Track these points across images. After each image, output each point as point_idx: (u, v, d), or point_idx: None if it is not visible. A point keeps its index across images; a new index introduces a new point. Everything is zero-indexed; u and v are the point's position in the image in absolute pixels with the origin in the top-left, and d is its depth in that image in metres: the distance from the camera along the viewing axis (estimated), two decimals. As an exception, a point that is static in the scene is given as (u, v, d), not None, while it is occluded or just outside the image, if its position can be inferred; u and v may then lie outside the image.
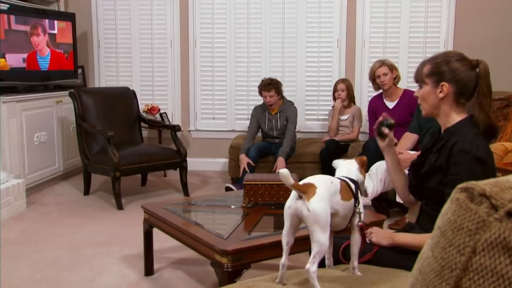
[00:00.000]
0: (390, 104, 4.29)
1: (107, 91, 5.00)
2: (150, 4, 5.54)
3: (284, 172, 1.49)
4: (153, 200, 4.23)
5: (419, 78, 1.86)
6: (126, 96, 4.92)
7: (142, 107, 5.29)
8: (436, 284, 0.66)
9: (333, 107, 4.93)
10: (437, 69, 1.79)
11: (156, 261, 2.93)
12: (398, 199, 3.42)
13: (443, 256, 0.66)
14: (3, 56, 4.27)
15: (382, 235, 1.88)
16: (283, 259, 1.57)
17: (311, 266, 1.47)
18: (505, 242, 0.61)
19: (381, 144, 2.01)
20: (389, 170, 2.07)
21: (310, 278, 1.48)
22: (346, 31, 5.33)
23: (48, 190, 4.74)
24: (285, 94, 4.83)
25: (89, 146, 4.50)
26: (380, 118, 1.98)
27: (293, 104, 4.76)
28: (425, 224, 1.86)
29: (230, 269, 2.09)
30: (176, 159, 4.49)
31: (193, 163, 5.33)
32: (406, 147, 3.68)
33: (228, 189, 4.48)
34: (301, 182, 1.57)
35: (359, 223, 1.72)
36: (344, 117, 4.86)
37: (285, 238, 1.57)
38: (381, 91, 4.34)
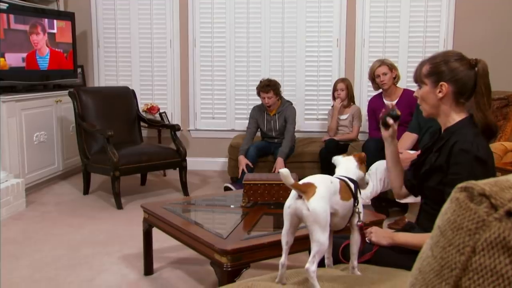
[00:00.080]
0: (390, 104, 4.29)
1: (107, 91, 5.00)
2: (150, 3, 5.53)
3: (284, 171, 1.49)
4: (152, 200, 4.23)
5: (418, 78, 1.85)
6: (125, 96, 4.92)
7: (141, 106, 5.29)
8: (436, 283, 0.66)
9: (332, 106, 4.92)
10: (436, 69, 1.79)
11: (156, 260, 2.93)
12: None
13: (442, 256, 0.66)
14: (3, 56, 4.27)
15: (381, 235, 1.88)
16: (283, 259, 1.57)
17: (311, 265, 1.48)
18: (504, 241, 0.61)
19: (384, 133, 1.99)
20: (388, 163, 2.06)
21: (310, 277, 1.48)
22: (345, 31, 5.33)
23: (47, 190, 4.74)
24: (284, 93, 4.82)
25: (89, 145, 4.49)
26: (389, 107, 1.98)
27: (291, 104, 4.74)
28: (425, 223, 1.86)
29: (229, 269, 2.09)
30: (176, 159, 4.49)
31: (193, 163, 5.33)
32: (406, 146, 3.68)
33: (227, 188, 4.47)
34: (300, 182, 1.57)
35: (359, 223, 1.72)
36: (343, 116, 4.86)
37: (285, 237, 1.57)
38: (380, 90, 4.34)
